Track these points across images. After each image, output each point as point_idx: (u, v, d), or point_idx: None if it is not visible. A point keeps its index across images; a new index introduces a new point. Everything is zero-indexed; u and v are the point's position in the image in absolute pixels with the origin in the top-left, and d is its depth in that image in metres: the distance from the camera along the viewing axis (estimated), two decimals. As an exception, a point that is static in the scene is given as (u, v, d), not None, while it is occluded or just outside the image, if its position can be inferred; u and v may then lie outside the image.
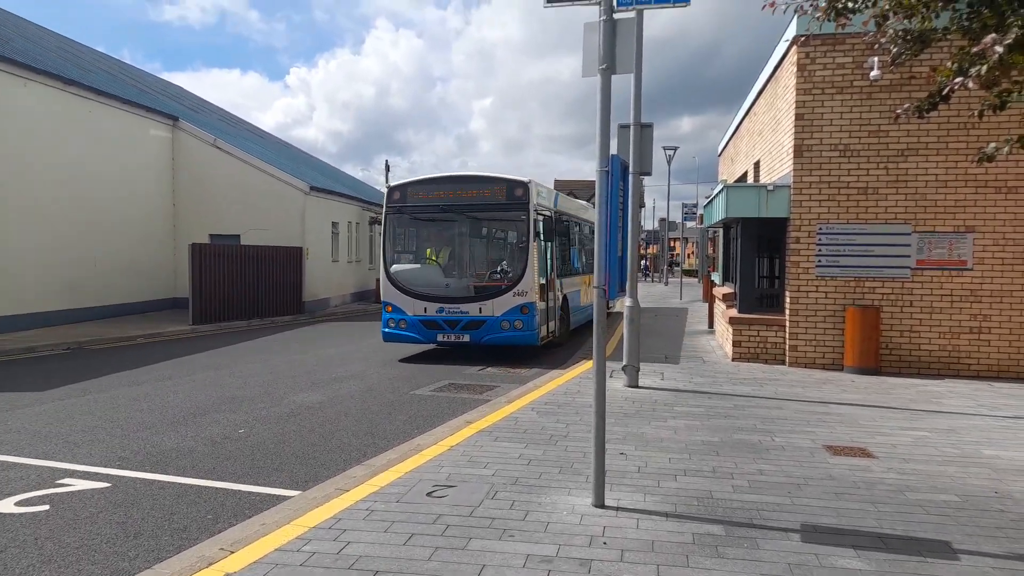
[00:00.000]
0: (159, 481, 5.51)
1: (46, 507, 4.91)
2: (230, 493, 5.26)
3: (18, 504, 4.95)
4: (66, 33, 28.68)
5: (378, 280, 27.41)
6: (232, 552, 3.88)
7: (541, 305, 12.10)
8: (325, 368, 11.34)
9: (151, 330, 15.88)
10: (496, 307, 11.73)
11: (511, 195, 11.99)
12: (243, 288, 18.68)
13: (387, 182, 43.92)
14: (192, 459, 6.12)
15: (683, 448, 6.10)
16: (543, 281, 12.44)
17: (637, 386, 8.92)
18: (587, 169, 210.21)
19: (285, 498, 5.09)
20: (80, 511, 4.84)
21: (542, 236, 12.41)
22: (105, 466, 5.87)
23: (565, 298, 14.25)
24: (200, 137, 21.51)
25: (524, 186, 11.95)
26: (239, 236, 20.89)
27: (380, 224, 28.38)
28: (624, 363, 8.98)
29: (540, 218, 12.25)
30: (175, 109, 23.61)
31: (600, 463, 4.66)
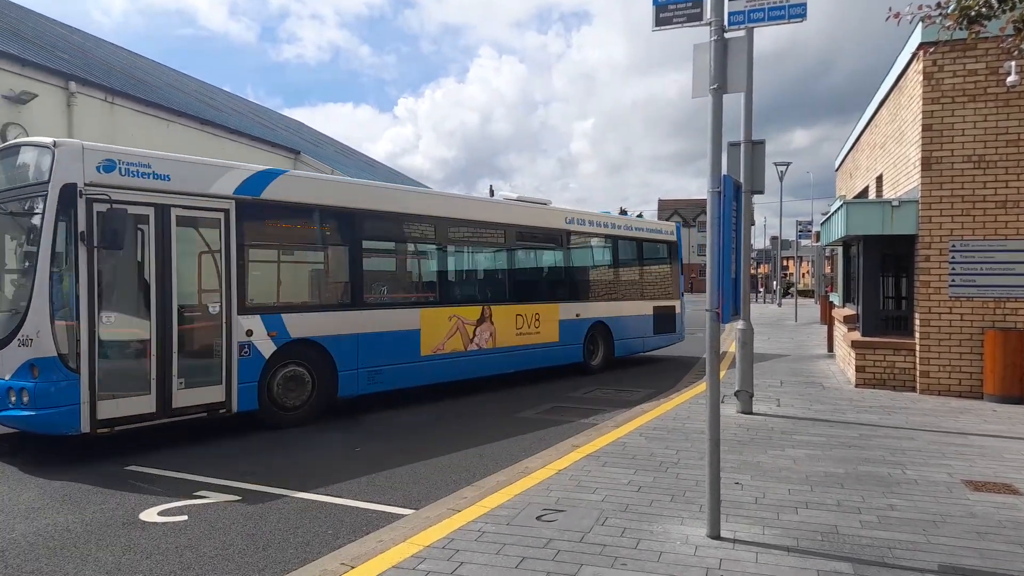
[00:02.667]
0: (285, 496, 5.82)
1: (184, 517, 5.29)
2: (348, 509, 5.48)
3: (160, 514, 5.37)
4: (199, 76, 31.14)
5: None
6: (352, 567, 4.04)
7: (78, 366, 6.69)
8: (430, 389, 11.61)
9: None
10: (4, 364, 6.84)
11: (35, 169, 7.01)
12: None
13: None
14: (315, 476, 6.41)
15: (804, 479, 5.80)
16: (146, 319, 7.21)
17: (751, 412, 8.57)
18: (693, 187, 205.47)
19: (399, 516, 5.24)
20: (215, 522, 5.19)
21: (99, 239, 6.78)
22: (237, 480, 6.25)
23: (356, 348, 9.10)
24: (319, 169, 22.82)
25: (48, 151, 6.81)
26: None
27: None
28: (737, 388, 8.66)
29: (116, 209, 6.78)
30: (296, 143, 25.21)
31: (715, 492, 4.51)
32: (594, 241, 13.90)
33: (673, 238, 16.09)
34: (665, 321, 15.40)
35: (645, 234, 15.23)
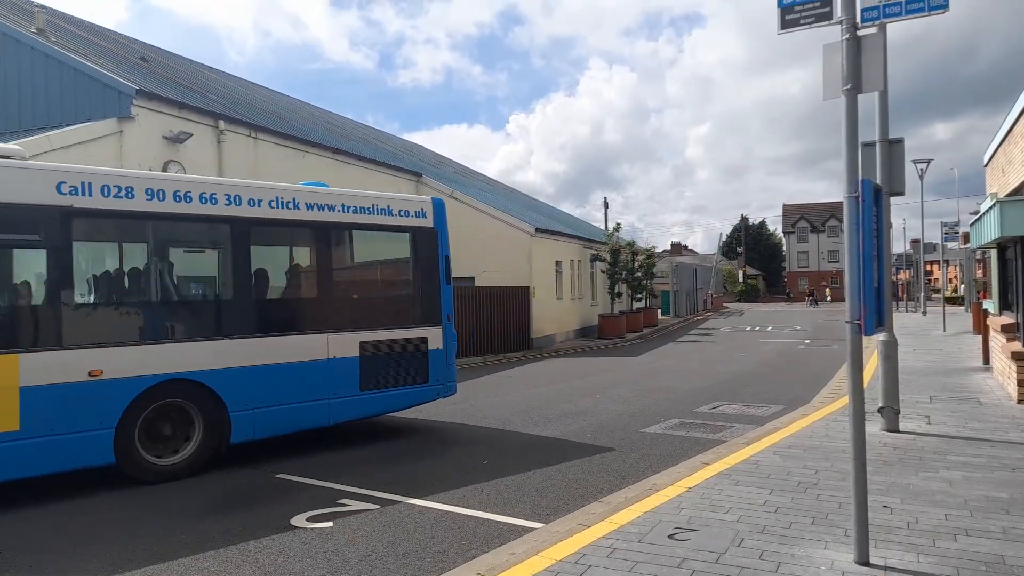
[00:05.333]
0: (420, 506, 6.06)
1: (330, 524, 5.64)
2: (480, 521, 5.63)
3: (309, 520, 5.74)
4: (325, 106, 33.18)
5: (600, 316, 27.95)
6: (488, 578, 4.15)
7: None
8: (555, 403, 11.68)
9: (401, 366, 17.58)
10: None
11: None
12: (479, 326, 20.02)
13: (605, 218, 44.51)
14: (446, 487, 6.64)
15: (962, 504, 5.35)
16: None
17: (897, 430, 8.00)
18: (818, 190, 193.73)
19: (529, 529, 5.32)
20: (357, 529, 5.49)
21: None
22: (375, 489, 6.58)
23: None
24: (440, 190, 23.65)
25: None
26: (474, 279, 22.49)
27: (600, 261, 29.17)
28: (881, 404, 8.12)
29: None
30: (418, 166, 26.29)
31: (862, 515, 4.26)
32: (156, 228, 7.42)
33: (422, 222, 9.34)
34: (394, 366, 8.84)
35: (328, 215, 8.44)
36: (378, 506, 6.07)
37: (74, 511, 6.14)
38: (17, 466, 6.23)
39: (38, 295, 6.80)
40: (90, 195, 6.76)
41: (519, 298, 21.69)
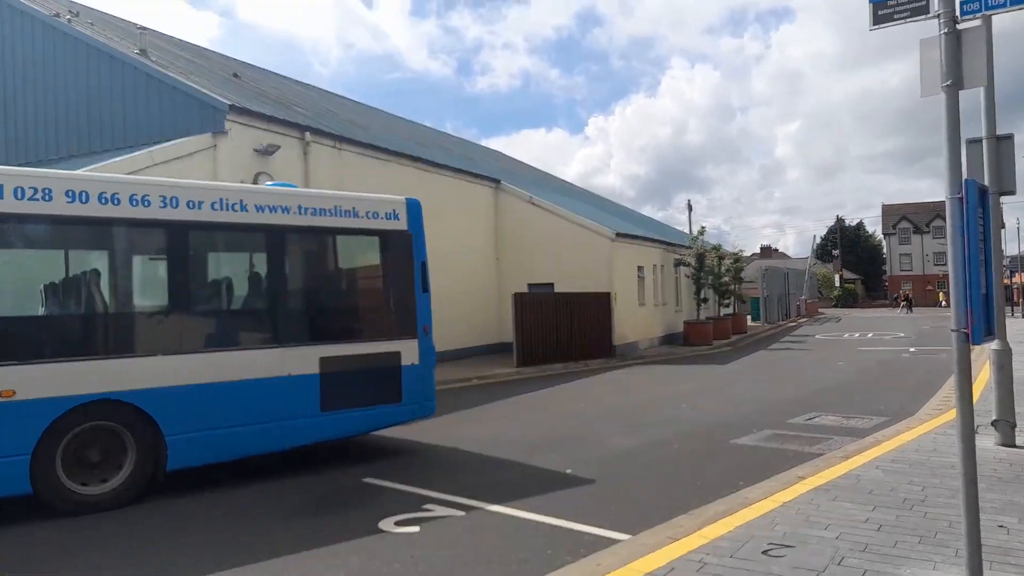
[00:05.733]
0: (503, 513, 6.06)
1: (416, 529, 5.71)
2: (563, 530, 5.56)
3: (396, 524, 5.83)
4: (405, 115, 33.95)
5: (685, 323, 27.34)
6: (574, 590, 4.08)
7: None
8: (640, 412, 11.48)
9: (482, 372, 17.73)
10: None
11: None
12: (559, 333, 19.94)
13: (689, 221, 43.55)
14: (529, 495, 6.61)
15: (1094, 528, 4.89)
16: None
17: (1014, 445, 7.41)
18: (921, 188, 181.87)
19: (614, 540, 5.22)
20: (443, 535, 5.54)
21: None
22: (458, 495, 6.62)
23: None
24: (518, 196, 23.77)
25: None
26: (553, 284, 22.45)
27: (685, 265, 28.54)
28: (995, 417, 7.55)
29: None
30: (496, 172, 26.49)
31: (974, 535, 3.94)
32: (77, 233, 6.89)
33: (393, 224, 8.59)
34: (361, 384, 8.02)
35: (280, 218, 7.65)
36: (462, 512, 6.11)
37: (163, 511, 6.46)
38: None
39: None
40: (2, 198, 6.09)
41: (600, 304, 21.47)
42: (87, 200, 6.51)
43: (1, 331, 6.23)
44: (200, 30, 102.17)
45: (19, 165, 15.72)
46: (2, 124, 16.45)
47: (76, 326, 6.81)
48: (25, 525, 5.98)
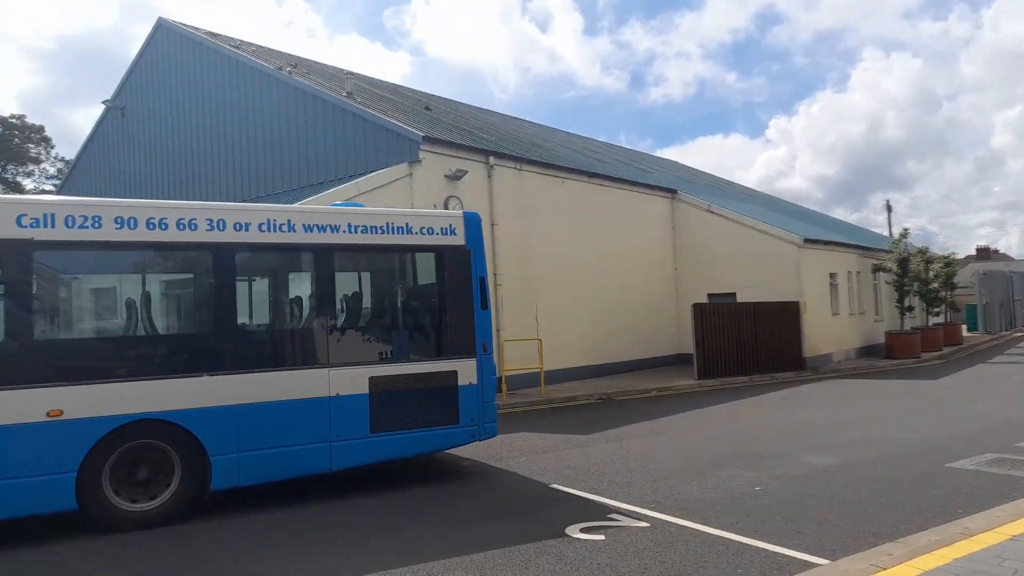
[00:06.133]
0: (689, 528, 6.01)
1: (602, 537, 5.84)
2: (754, 550, 5.41)
3: (582, 531, 6.00)
4: (578, 131, 34.35)
5: (887, 333, 24.96)
6: (768, 610, 3.98)
7: None
8: (837, 429, 10.73)
9: (662, 384, 17.49)
10: None
11: None
12: (742, 344, 19.14)
13: (889, 223, 39.79)
14: (715, 510, 6.49)
15: None
16: None
17: None
18: None
19: (810, 564, 5.00)
20: (629, 545, 5.61)
21: None
22: (643, 507, 6.67)
23: None
24: (696, 205, 23.20)
25: None
26: (735, 294, 21.59)
27: (885, 272, 26.03)
28: None
29: None
30: (672, 182, 26.07)
31: None
32: (127, 257, 7.21)
33: (450, 239, 8.29)
34: (414, 405, 7.80)
35: (330, 237, 7.61)
36: (647, 524, 6.14)
37: (353, 508, 7.12)
38: None
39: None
40: (53, 227, 6.42)
41: (788, 314, 20.31)
42: (135, 226, 6.71)
43: (51, 352, 6.52)
44: (394, 68, 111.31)
45: (249, 200, 18.17)
46: (238, 164, 19.08)
47: (124, 347, 6.98)
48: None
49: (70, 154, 46.11)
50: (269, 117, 18.21)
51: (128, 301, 7.21)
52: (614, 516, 6.41)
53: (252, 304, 8.00)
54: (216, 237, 7.07)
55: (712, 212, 22.85)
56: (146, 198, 22.21)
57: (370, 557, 5.55)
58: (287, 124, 17.76)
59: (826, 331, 21.97)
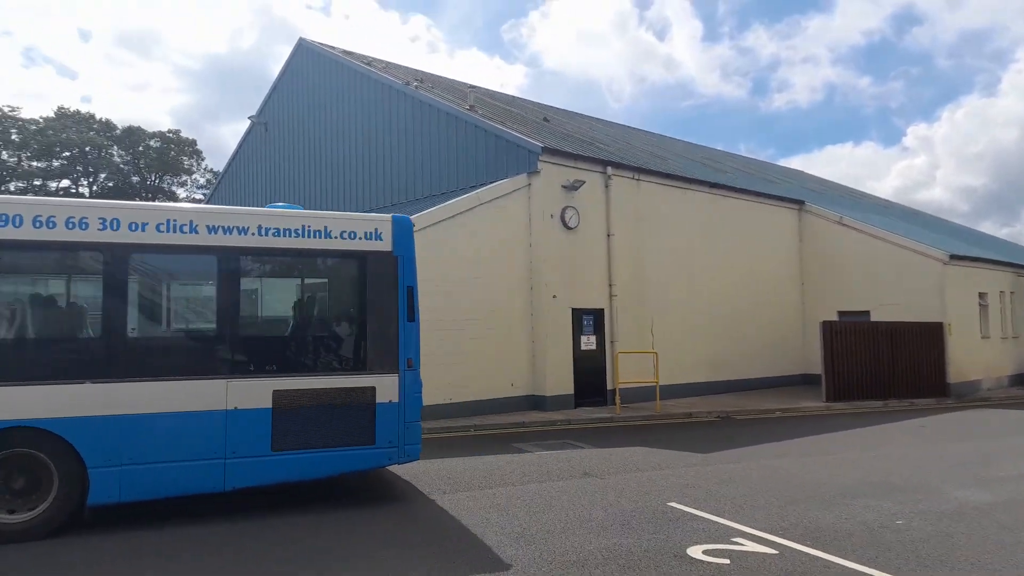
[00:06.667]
0: (822, 559, 5.65)
1: (727, 561, 5.60)
2: (898, 588, 5.01)
3: (704, 553, 5.79)
4: (696, 140, 33.48)
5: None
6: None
7: None
8: (988, 463, 9.78)
9: (786, 404, 16.64)
10: None
11: None
12: (876, 366, 17.89)
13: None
14: (851, 542, 6.07)
15: None
16: None
17: None
18: None
19: (964, 609, 4.55)
20: (756, 572, 5.35)
21: None
22: (769, 532, 6.34)
23: None
24: (825, 217, 21.98)
25: None
26: (868, 312, 20.23)
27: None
28: None
29: None
30: (798, 192, 24.85)
31: None
32: (6, 258, 6.68)
33: (375, 245, 7.65)
34: (323, 422, 7.20)
35: (235, 239, 7.11)
36: (775, 551, 5.83)
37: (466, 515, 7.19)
38: None
39: None
40: None
41: (930, 336, 18.78)
42: (20, 224, 6.39)
43: None
44: (512, 80, 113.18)
45: (378, 210, 19.05)
46: (367, 175, 20.06)
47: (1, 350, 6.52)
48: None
49: (218, 165, 50.31)
50: (396, 130, 19.04)
51: (9, 302, 6.85)
52: (738, 540, 6.14)
53: (144, 308, 7.33)
54: (108, 237, 6.65)
55: (844, 224, 21.57)
56: (286, 202, 23.90)
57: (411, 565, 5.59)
58: (413, 136, 18.50)
59: (974, 355, 20.13)
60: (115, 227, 6.65)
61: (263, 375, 7.07)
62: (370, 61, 22.65)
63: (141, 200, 51.20)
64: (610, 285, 16.48)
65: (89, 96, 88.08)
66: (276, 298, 7.99)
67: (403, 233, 7.79)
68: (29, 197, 6.99)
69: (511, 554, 5.81)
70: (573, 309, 15.64)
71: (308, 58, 23.10)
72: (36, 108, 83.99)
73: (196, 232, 6.96)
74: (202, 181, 53.71)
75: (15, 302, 6.86)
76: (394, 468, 9.15)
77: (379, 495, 7.84)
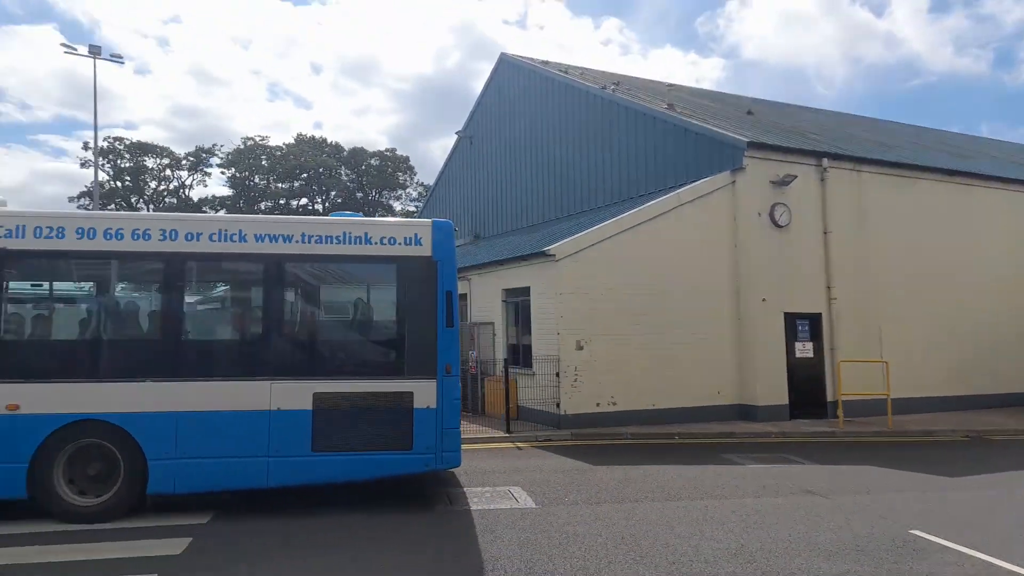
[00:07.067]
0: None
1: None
2: None
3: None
4: (924, 123, 29.80)
5: None
6: None
7: None
8: None
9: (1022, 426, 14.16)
10: None
11: None
12: None
13: None
14: None
15: None
16: None
17: None
18: None
19: None
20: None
21: None
22: (1045, 576, 5.40)
23: None
24: (1102, 203, 18.43)
25: None
26: None
27: None
28: None
29: None
30: (1066, 177, 21.12)
31: None
32: (81, 267, 7.55)
33: (414, 250, 7.62)
34: (362, 425, 7.23)
35: (280, 247, 7.42)
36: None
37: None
38: None
39: None
40: (23, 237, 7.06)
41: None
42: (94, 236, 7.17)
43: (12, 352, 7.14)
44: (709, 75, 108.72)
45: (575, 214, 19.27)
46: (568, 180, 20.38)
47: (75, 350, 7.37)
48: (596, 513, 7.12)
49: (428, 179, 54.18)
50: (593, 134, 19.10)
51: (80, 307, 7.77)
52: (1005, 581, 5.29)
53: (198, 312, 8.03)
54: (167, 247, 7.26)
55: None
56: (491, 213, 25.03)
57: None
58: (609, 140, 18.43)
59: None
60: (173, 237, 7.28)
61: (304, 377, 7.31)
62: (566, 69, 23.00)
63: (365, 215, 56.60)
64: (828, 288, 15.15)
65: (320, 122, 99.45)
66: (318, 303, 8.33)
67: (443, 238, 7.78)
68: (100, 212, 8.05)
69: (729, 570, 5.51)
70: (786, 314, 14.58)
71: (509, 71, 24.01)
72: (279, 136, 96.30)
73: (245, 241, 7.43)
74: (414, 194, 58.12)
75: (86, 307, 7.73)
76: (604, 470, 9.15)
77: (592, 498, 7.85)
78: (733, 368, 14.41)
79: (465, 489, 8.20)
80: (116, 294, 7.79)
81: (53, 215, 7.28)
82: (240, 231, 7.43)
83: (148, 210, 50.55)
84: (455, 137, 27.61)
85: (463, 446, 8.85)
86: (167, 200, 54.44)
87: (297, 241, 7.51)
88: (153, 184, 55.46)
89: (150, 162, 54.83)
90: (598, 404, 13.22)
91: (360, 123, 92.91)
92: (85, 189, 50.32)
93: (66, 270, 7.58)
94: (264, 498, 7.52)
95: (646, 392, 13.53)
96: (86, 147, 54.61)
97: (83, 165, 53.98)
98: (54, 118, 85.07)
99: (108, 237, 7.17)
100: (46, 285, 7.72)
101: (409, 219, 8.04)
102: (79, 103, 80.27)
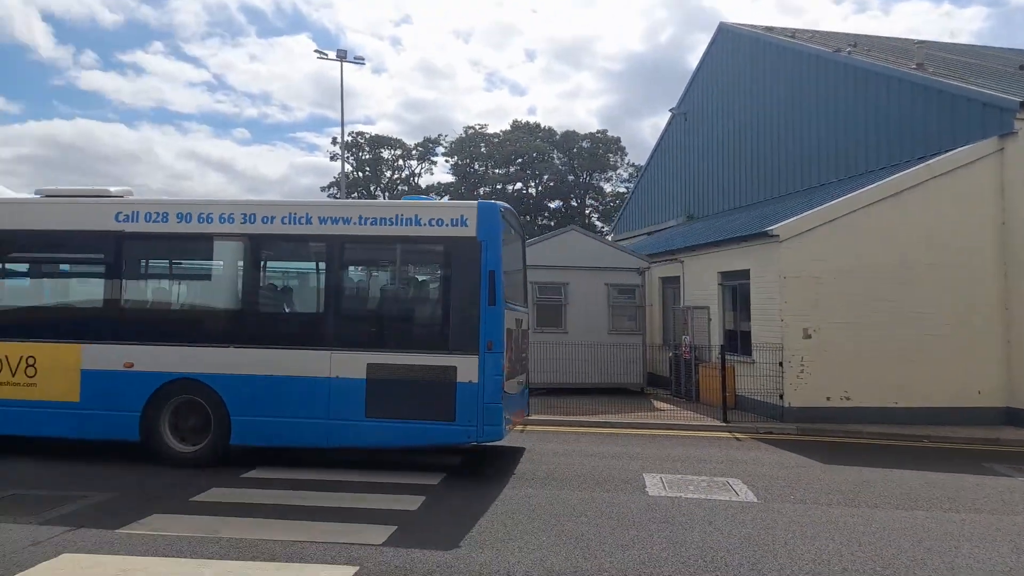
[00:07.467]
0: None
1: None
2: None
3: None
4: None
5: None
6: None
7: None
8: None
9: None
10: None
11: None
12: None
13: None
14: None
15: None
16: None
17: None
18: None
19: None
20: None
21: None
22: None
23: None
24: None
25: None
26: None
27: None
28: None
29: None
30: None
31: None
32: (180, 246, 8.73)
33: (460, 231, 7.92)
34: (409, 396, 7.67)
35: (340, 228, 8.14)
36: None
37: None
38: (74, 430, 8.14)
39: (95, 297, 8.49)
40: (137, 221, 8.34)
41: None
42: (191, 220, 8.30)
43: (127, 318, 8.40)
44: (968, 27, 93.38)
45: (798, 191, 17.76)
46: (794, 153, 18.87)
47: (174, 318, 8.83)
48: (827, 515, 6.54)
49: (639, 160, 53.42)
50: (825, 101, 17.41)
51: (181, 282, 9.08)
52: None
53: (272, 287, 8.92)
54: (247, 229, 8.25)
55: None
56: (705, 193, 23.99)
57: None
58: (845, 106, 16.67)
59: None
60: (252, 220, 8.26)
61: (359, 349, 7.90)
62: (793, 33, 21.23)
63: (575, 197, 57.31)
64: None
65: (534, 107, 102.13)
66: (372, 279, 9.08)
67: (488, 219, 8.02)
68: (186, 199, 9.42)
69: None
70: (1072, 302, 12.26)
71: (728, 42, 22.68)
72: (497, 124, 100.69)
73: (310, 223, 8.25)
74: (625, 175, 57.62)
75: (183, 282, 9.10)
76: (835, 469, 8.46)
77: (821, 498, 7.26)
78: (999, 365, 12.47)
79: (679, 476, 8.00)
80: (206, 271, 8.92)
81: (158, 202, 8.64)
82: (307, 214, 8.30)
83: (384, 197, 55.71)
84: (667, 115, 26.82)
85: (678, 432, 8.64)
86: (399, 188, 59.50)
87: (355, 223, 8.21)
88: (388, 174, 60.95)
89: (386, 153, 60.21)
90: (828, 398, 12.19)
91: (571, 106, 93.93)
92: (334, 180, 56.58)
93: (167, 250, 8.87)
94: (490, 468, 7.93)
95: (887, 387, 12.20)
96: (334, 142, 61.18)
97: (332, 158, 60.57)
98: (308, 117, 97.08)
99: (201, 221, 8.34)
100: (154, 263, 9.07)
101: (457, 201, 9.10)
102: (328, 103, 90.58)
